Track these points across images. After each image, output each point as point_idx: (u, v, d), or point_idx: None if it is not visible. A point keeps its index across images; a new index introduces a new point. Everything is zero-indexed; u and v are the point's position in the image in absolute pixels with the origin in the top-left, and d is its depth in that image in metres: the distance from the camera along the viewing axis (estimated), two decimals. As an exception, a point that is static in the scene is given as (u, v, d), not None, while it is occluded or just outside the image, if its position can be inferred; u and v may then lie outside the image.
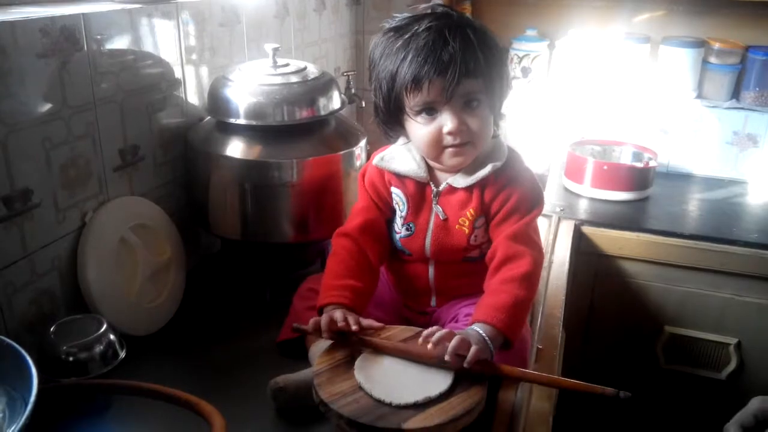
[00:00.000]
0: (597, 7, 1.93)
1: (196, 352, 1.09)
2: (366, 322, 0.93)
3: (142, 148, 1.15)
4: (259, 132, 1.17)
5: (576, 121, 1.91)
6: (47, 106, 0.94)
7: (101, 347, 0.91)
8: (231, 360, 1.07)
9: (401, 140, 1.05)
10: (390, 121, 1.00)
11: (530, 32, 1.97)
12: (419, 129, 0.97)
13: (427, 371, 0.87)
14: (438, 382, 0.85)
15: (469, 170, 1.00)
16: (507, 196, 0.99)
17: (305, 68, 1.21)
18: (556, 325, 1.13)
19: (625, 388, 1.66)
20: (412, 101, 0.95)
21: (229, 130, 1.18)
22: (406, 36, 0.93)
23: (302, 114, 1.18)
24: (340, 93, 1.25)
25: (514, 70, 1.98)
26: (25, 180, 0.92)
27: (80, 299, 1.02)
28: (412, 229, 1.03)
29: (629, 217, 1.61)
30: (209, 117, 1.24)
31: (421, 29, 0.92)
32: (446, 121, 0.94)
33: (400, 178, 1.04)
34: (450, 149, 0.97)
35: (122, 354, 0.94)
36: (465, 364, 0.83)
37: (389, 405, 0.81)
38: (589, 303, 1.63)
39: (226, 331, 1.14)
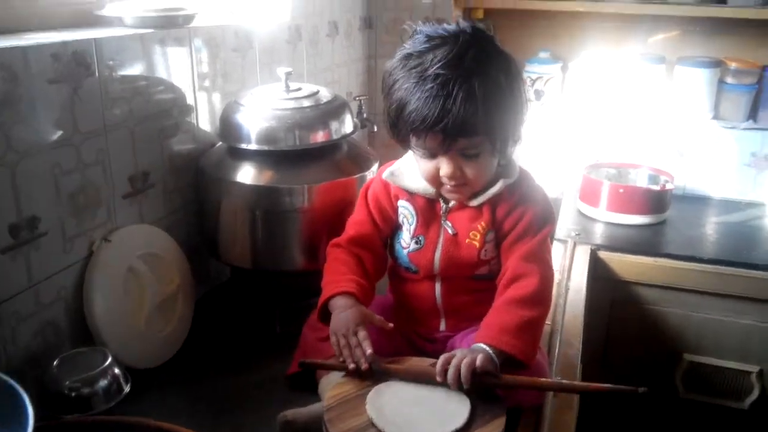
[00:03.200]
0: (610, 28, 1.91)
1: (203, 385, 1.06)
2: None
3: (153, 175, 1.14)
4: (270, 157, 1.16)
5: (590, 144, 1.89)
6: (58, 133, 0.93)
7: (105, 382, 0.89)
8: (239, 393, 1.04)
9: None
10: (398, 140, 0.99)
11: (543, 54, 1.96)
12: (420, 162, 0.97)
13: (443, 404, 0.84)
14: (454, 416, 0.82)
15: (480, 189, 0.99)
16: (520, 214, 0.98)
17: (317, 92, 1.20)
18: (574, 356, 1.10)
19: (643, 418, 1.62)
20: (413, 141, 0.95)
21: (240, 155, 1.16)
22: (417, 69, 0.90)
23: (314, 138, 1.16)
24: (353, 117, 1.23)
25: (527, 92, 1.96)
26: (33, 208, 0.91)
27: (86, 330, 1.00)
28: (422, 242, 1.02)
29: (646, 242, 1.57)
30: (221, 143, 1.22)
31: (431, 70, 0.89)
32: (443, 165, 0.94)
33: (410, 192, 1.02)
34: (447, 186, 0.97)
35: (127, 388, 0.92)
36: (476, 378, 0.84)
37: (405, 439, 0.78)
38: (605, 330, 1.59)
39: (235, 363, 1.11)
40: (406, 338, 1.08)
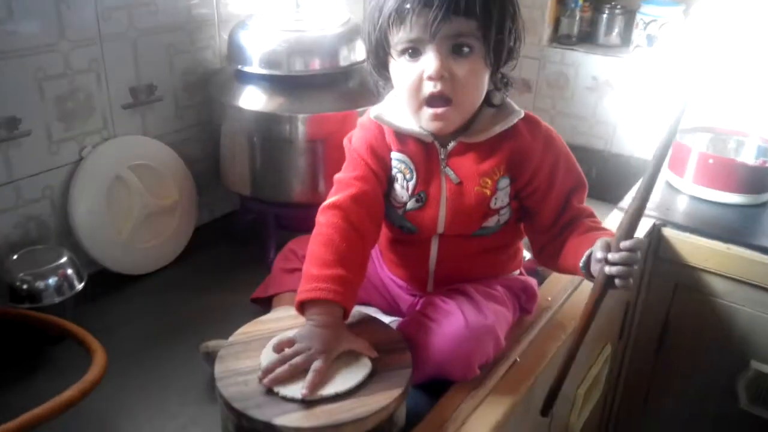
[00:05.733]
0: (751, -34, 1.58)
1: (176, 299, 1.08)
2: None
3: (160, 89, 1.15)
4: (273, 82, 1.12)
5: (700, 103, 1.61)
6: (40, 38, 0.96)
7: (56, 278, 0.94)
8: (210, 313, 1.04)
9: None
10: (377, 64, 0.89)
11: (665, -6, 1.68)
12: (401, 72, 0.84)
13: (346, 365, 0.77)
14: (345, 380, 0.75)
15: (482, 126, 0.87)
16: (555, 157, 0.89)
17: (330, 14, 1.13)
18: (556, 338, 0.96)
19: (695, 424, 1.41)
20: (395, 37, 0.82)
21: (244, 79, 1.14)
22: None
23: (318, 64, 1.10)
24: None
25: (638, 36, 1.71)
26: (13, 108, 0.95)
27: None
28: (424, 199, 0.89)
29: (731, 226, 1.32)
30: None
31: None
32: (428, 63, 0.81)
33: (402, 140, 0.90)
34: (429, 111, 0.83)
35: (78, 287, 0.96)
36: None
37: (276, 394, 0.73)
38: (663, 319, 1.38)
39: (217, 285, 1.12)
40: (385, 289, 1.01)
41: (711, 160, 1.38)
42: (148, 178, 1.12)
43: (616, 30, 1.78)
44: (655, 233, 1.33)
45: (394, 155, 0.91)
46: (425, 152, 0.89)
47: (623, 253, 0.76)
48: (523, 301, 0.98)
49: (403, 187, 0.90)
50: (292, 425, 0.70)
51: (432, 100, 0.83)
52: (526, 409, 0.89)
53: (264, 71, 1.10)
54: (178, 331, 1.00)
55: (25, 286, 0.92)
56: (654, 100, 1.66)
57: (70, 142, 1.04)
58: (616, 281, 0.77)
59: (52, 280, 0.93)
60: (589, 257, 0.82)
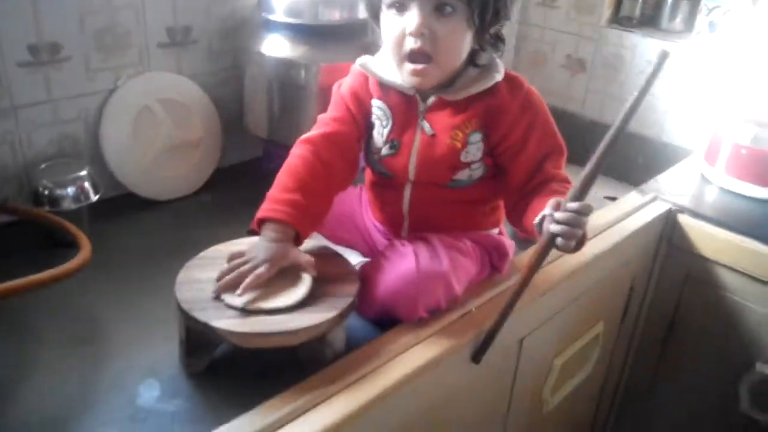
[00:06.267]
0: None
1: (185, 227, 1.17)
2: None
3: (196, 31, 1.24)
4: (296, 31, 1.19)
5: (753, 95, 1.53)
6: (83, -26, 1.07)
7: (74, 188, 1.06)
8: (212, 243, 1.11)
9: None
10: (372, 14, 0.93)
11: (734, -21, 1.60)
12: (387, 25, 0.89)
13: (290, 285, 0.83)
14: (286, 298, 0.81)
15: (463, 84, 0.91)
16: (532, 119, 0.91)
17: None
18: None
19: (696, 422, 1.38)
20: None
21: (270, 27, 1.21)
22: None
23: (338, 15, 1.16)
24: None
25: (701, 23, 1.64)
26: (55, 35, 1.07)
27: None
28: (396, 146, 0.94)
29: (754, 220, 1.26)
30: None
31: None
32: (410, 20, 0.85)
33: (384, 89, 0.95)
34: (410, 66, 0.87)
35: (93, 198, 1.07)
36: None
37: (221, 301, 0.81)
38: (672, 309, 1.35)
39: (226, 219, 1.18)
40: (368, 234, 1.07)
41: (744, 151, 1.33)
42: (175, 113, 1.22)
43: (680, 15, 1.72)
44: (671, 219, 1.30)
45: (375, 102, 0.96)
46: (406, 104, 0.94)
47: (568, 214, 0.78)
48: (495, 259, 1.00)
49: (379, 134, 0.96)
50: (226, 328, 0.77)
51: (413, 56, 0.87)
52: (470, 358, 0.91)
53: (286, 20, 1.17)
54: (177, 254, 1.06)
55: (46, 192, 1.04)
56: (708, 89, 1.60)
57: (107, 71, 1.15)
58: (558, 240, 0.79)
59: (70, 189, 1.05)
60: (543, 218, 0.83)
